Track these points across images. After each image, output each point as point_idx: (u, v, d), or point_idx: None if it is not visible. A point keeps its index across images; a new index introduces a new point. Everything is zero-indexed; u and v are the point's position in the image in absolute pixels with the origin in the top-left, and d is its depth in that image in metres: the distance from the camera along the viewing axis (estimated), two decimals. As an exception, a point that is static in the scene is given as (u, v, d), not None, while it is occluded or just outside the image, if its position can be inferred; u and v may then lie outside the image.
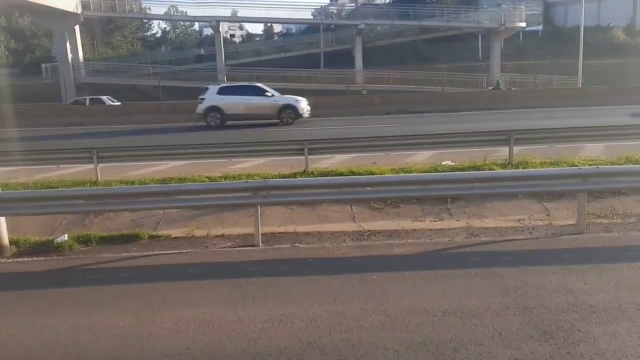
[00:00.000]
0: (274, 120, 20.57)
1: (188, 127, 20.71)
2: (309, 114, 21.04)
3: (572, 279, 5.38)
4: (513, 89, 32.50)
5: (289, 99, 21.16)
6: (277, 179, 9.29)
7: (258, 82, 33.33)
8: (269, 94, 20.70)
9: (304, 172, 10.32)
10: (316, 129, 18.52)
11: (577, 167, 8.23)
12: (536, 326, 4.42)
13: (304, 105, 20.85)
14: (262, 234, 7.29)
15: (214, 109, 20.31)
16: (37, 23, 42.89)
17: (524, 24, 40.85)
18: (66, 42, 36.00)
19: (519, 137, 10.72)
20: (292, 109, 20.61)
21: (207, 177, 10.05)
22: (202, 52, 45.61)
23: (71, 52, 36.51)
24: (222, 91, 20.74)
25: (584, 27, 34.01)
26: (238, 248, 7.14)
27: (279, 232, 7.75)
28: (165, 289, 5.60)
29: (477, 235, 7.26)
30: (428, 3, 47.43)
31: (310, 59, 43.01)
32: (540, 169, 9.45)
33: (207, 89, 21.11)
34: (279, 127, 20.27)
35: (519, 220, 7.87)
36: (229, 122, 20.51)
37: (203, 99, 20.61)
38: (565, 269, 5.68)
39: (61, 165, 11.66)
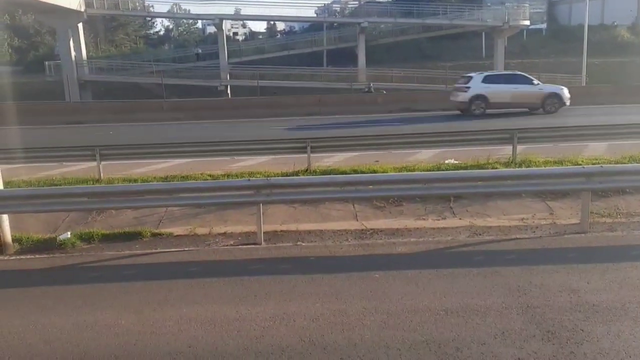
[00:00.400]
0: (537, 109, 20.92)
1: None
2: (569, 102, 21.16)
3: (575, 278, 5.36)
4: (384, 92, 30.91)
5: (555, 87, 21.74)
6: (280, 177, 9.28)
7: (261, 80, 33.52)
8: (535, 82, 20.97)
9: (307, 170, 10.31)
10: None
11: (580, 166, 8.20)
12: (539, 325, 4.41)
13: (567, 93, 21.06)
14: (264, 232, 7.29)
15: (479, 97, 20.61)
16: (41, 21, 42.92)
17: (527, 22, 40.72)
18: (69, 40, 36.05)
19: (522, 136, 10.70)
20: (557, 97, 20.87)
21: (210, 175, 10.05)
22: (199, 50, 45.47)
23: (74, 50, 36.53)
24: (488, 79, 20.94)
25: (588, 25, 33.89)
26: (240, 246, 7.13)
27: (281, 231, 7.74)
28: (167, 287, 5.60)
29: (480, 234, 7.24)
30: (431, 1, 47.24)
31: (314, 57, 42.97)
32: (543, 167, 9.42)
33: (470, 77, 21.46)
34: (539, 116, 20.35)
35: (522, 219, 7.84)
36: (490, 111, 20.69)
37: (468, 87, 20.91)
38: (568, 268, 5.66)
39: (64, 163, 11.69)
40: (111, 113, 24.81)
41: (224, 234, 7.70)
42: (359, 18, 41.44)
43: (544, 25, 47.72)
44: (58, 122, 22.83)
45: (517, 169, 9.52)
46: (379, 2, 56.42)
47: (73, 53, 36.32)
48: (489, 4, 45.48)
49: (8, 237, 7.22)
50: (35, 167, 11.08)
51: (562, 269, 5.64)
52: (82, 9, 36.11)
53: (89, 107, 28.01)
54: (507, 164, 10.09)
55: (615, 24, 45.12)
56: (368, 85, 32.51)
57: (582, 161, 9.72)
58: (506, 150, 10.95)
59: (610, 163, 9.43)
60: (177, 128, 20.46)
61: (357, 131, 15.75)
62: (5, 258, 6.99)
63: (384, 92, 31.07)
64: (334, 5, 58.66)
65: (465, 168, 9.86)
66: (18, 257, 7.04)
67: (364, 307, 4.88)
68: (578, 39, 35.75)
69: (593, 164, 9.13)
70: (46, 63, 40.37)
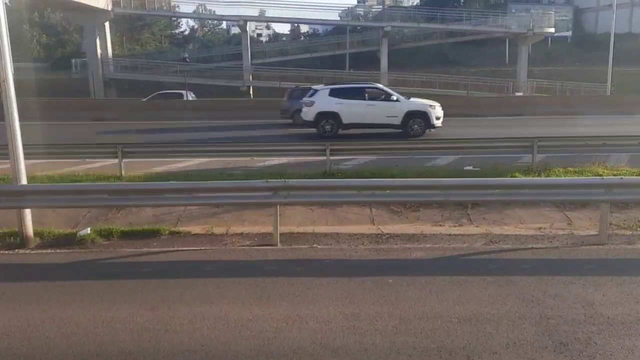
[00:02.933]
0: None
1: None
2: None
3: (591, 290, 5.31)
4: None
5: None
6: (298, 179, 9.31)
7: (283, 81, 33.66)
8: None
9: (325, 172, 10.35)
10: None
11: (600, 177, 8.12)
12: (552, 337, 4.38)
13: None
14: (280, 234, 7.34)
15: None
16: (69, 19, 43.72)
17: (552, 30, 40.16)
18: (96, 38, 36.68)
19: (542, 145, 10.61)
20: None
21: (229, 175, 10.15)
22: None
23: (100, 48, 37.15)
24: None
25: (614, 33, 33.35)
26: (256, 247, 7.20)
27: (297, 232, 7.79)
28: (183, 285, 5.69)
29: (497, 242, 7.19)
30: (455, 7, 46.98)
31: (336, 60, 42.97)
32: (563, 177, 9.33)
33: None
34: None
35: (540, 228, 7.77)
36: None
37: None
38: (584, 279, 5.61)
39: (87, 160, 11.91)
40: (135, 111, 25.11)
41: (241, 234, 7.78)
42: (382, 22, 41.33)
43: (569, 33, 47.02)
44: (83, 118, 23.20)
45: (535, 177, 9.44)
46: (403, 7, 56.36)
47: (99, 51, 36.94)
48: (513, 11, 45.01)
49: (30, 231, 7.39)
50: (59, 162, 11.31)
51: (578, 280, 5.59)
52: (109, 8, 36.70)
53: (114, 104, 28.39)
54: (526, 173, 10.01)
55: (644, 32, 44.36)
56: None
57: (603, 172, 9.59)
58: (526, 159, 10.86)
59: (631, 175, 9.28)
60: (199, 127, 20.64)
61: (375, 134, 15.76)
62: (27, 252, 7.16)
63: None
64: (357, 9, 58.77)
65: (484, 175, 9.80)
66: (39, 251, 7.20)
67: (376, 312, 4.90)
68: (604, 48, 35.17)
69: (614, 175, 9.00)
70: (73, 60, 41.11)
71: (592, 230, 7.51)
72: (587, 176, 9.21)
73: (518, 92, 35.40)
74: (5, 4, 7.47)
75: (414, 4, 61.13)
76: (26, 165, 7.54)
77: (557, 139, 11.56)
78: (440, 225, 8.05)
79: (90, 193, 7.59)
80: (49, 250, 7.18)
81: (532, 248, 6.92)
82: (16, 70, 7.17)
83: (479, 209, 8.50)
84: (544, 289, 5.34)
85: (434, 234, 7.62)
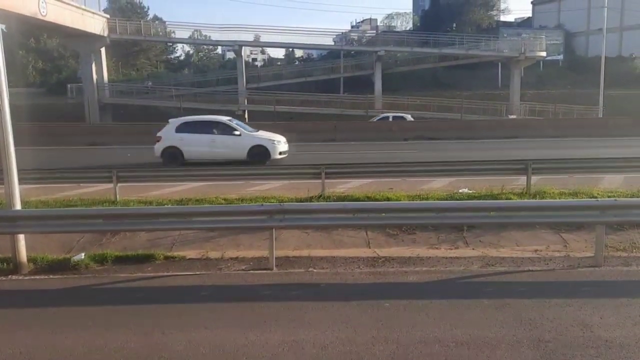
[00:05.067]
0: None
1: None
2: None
3: (588, 313, 5.29)
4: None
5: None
6: (293, 203, 9.33)
7: (278, 105, 33.87)
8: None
9: (320, 196, 10.35)
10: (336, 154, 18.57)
11: (595, 199, 8.14)
12: (550, 360, 4.34)
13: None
14: (276, 258, 7.31)
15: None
16: (65, 44, 44.01)
17: (544, 54, 40.81)
18: (92, 63, 36.91)
19: (537, 167, 10.65)
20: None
21: (224, 199, 10.13)
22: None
23: (96, 73, 37.37)
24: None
25: (605, 57, 33.87)
26: (252, 271, 7.15)
27: (293, 256, 7.75)
28: (178, 311, 5.63)
29: (493, 265, 7.18)
30: (448, 31, 47.68)
31: (330, 84, 43.37)
32: (557, 199, 9.36)
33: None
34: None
35: (536, 250, 7.78)
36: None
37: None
38: (581, 302, 5.59)
39: (81, 184, 11.86)
40: (130, 135, 25.13)
41: (237, 258, 7.73)
42: (376, 47, 41.87)
43: (560, 57, 47.78)
44: (78, 143, 23.20)
45: (530, 200, 9.47)
46: (396, 32, 57.13)
47: (95, 76, 37.15)
48: (505, 35, 45.76)
49: (23, 256, 7.33)
50: (54, 187, 11.25)
51: (575, 302, 5.57)
52: (105, 34, 37.05)
53: (109, 129, 28.44)
54: (521, 195, 10.03)
55: (634, 56, 45.03)
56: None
57: (597, 194, 9.63)
58: (520, 181, 10.90)
59: (625, 196, 9.33)
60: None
61: (372, 157, 15.80)
62: (20, 278, 7.09)
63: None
64: (351, 34, 59.44)
65: (479, 198, 9.84)
66: (32, 277, 7.13)
67: (373, 337, 4.86)
68: (595, 71, 35.73)
69: (608, 196, 9.04)
70: (68, 85, 41.27)
71: (588, 252, 7.51)
72: (582, 198, 9.24)
73: (511, 114, 35.78)
74: (2, 30, 7.52)
75: (407, 28, 62.10)
76: (20, 191, 7.51)
77: (551, 161, 11.63)
78: (437, 248, 8.03)
79: (85, 218, 7.55)
80: (42, 276, 7.11)
81: (529, 270, 6.91)
82: (12, 96, 7.18)
83: (475, 231, 8.49)
84: (541, 312, 5.32)
85: (430, 257, 7.60)
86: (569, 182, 10.91)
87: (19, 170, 7.38)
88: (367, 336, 4.87)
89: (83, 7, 34.10)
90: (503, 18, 59.88)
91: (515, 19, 64.02)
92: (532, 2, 59.14)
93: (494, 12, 57.69)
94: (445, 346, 4.63)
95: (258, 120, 33.89)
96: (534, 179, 10.69)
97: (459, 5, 52.73)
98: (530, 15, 60.41)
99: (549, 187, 10.39)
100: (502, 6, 60.74)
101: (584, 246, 7.84)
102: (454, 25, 52.25)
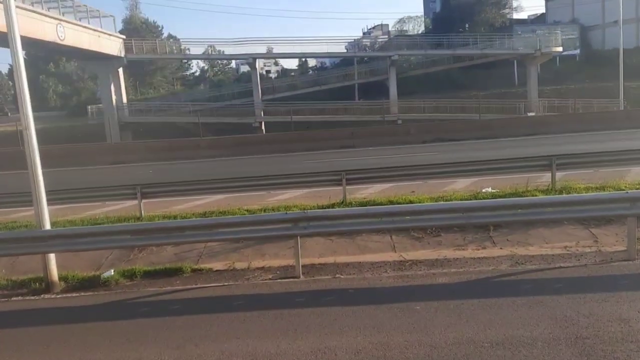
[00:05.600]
0: None
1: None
2: None
3: (625, 307, 5.17)
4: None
5: None
6: (316, 210, 9.31)
7: (294, 115, 33.98)
8: None
9: (342, 202, 10.33)
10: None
11: (624, 191, 7.97)
12: (590, 357, 4.26)
13: None
14: (302, 266, 7.31)
15: None
16: (83, 67, 44.89)
17: (560, 49, 40.34)
18: (110, 84, 37.53)
19: (561, 162, 10.48)
20: None
21: (247, 210, 10.17)
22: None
23: (115, 94, 37.95)
24: None
25: (623, 49, 33.35)
26: (279, 280, 7.16)
27: (319, 263, 7.74)
28: (208, 322, 5.65)
29: (523, 264, 7.08)
30: (460, 32, 47.44)
31: (345, 91, 43.39)
32: (585, 193, 9.20)
33: None
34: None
35: (566, 247, 7.64)
36: None
37: None
38: (617, 296, 5.47)
39: (107, 203, 12.02)
40: (151, 152, 25.46)
41: (263, 268, 7.75)
42: (389, 51, 41.84)
43: (577, 51, 47.13)
44: (101, 162, 23.55)
45: (556, 195, 9.32)
46: (408, 35, 57.02)
47: (114, 97, 37.72)
48: (519, 32, 45.33)
49: (55, 275, 7.44)
50: (80, 207, 11.43)
51: (611, 297, 5.45)
52: (122, 55, 37.64)
53: (130, 147, 28.81)
54: (546, 192, 9.89)
55: (652, 45, 44.25)
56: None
57: (625, 186, 9.44)
58: (545, 178, 10.75)
59: (655, 187, 9.14)
60: (214, 165, 20.84)
61: (391, 161, 15.74)
62: (52, 296, 7.20)
63: (400, 121, 31.71)
64: (363, 40, 59.49)
65: (503, 196, 9.72)
66: (64, 295, 7.24)
67: (406, 340, 4.81)
68: (613, 64, 35.15)
69: (637, 188, 8.85)
70: (88, 107, 41.97)
71: (619, 246, 7.37)
72: (610, 191, 9.07)
73: (530, 112, 35.36)
74: (24, 57, 7.71)
75: (420, 32, 61.92)
76: (48, 211, 7.63)
77: (575, 156, 11.41)
78: (463, 249, 7.95)
79: (113, 234, 7.64)
80: (74, 294, 7.21)
81: (560, 267, 6.79)
82: (35, 120, 7.34)
83: (501, 230, 8.39)
84: (576, 309, 5.22)
85: (457, 258, 7.53)
86: (594, 176, 10.73)
87: (46, 191, 7.51)
88: (400, 340, 4.82)
89: (100, 29, 34.74)
90: (516, 16, 59.33)
91: (529, 16, 63.35)
92: (544, -2, 58.63)
93: (507, 11, 57.11)
94: (480, 347, 4.57)
95: (275, 131, 34.19)
96: (559, 175, 10.53)
97: (471, 6, 52.40)
98: (543, 11, 59.81)
99: (574, 183, 10.24)
100: (515, 4, 60.14)
101: (615, 240, 7.69)
102: (467, 26, 51.93)
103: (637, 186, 9.37)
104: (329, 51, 43.18)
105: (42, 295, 7.20)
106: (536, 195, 9.47)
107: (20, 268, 8.12)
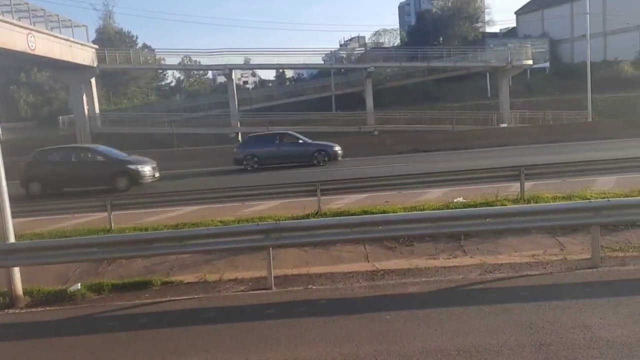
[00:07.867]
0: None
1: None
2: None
3: (588, 314, 5.28)
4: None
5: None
6: (289, 221, 9.30)
7: (271, 126, 34.00)
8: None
9: (317, 213, 10.35)
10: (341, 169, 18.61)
11: (588, 200, 8.16)
12: (554, 363, 4.32)
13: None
14: (275, 277, 7.28)
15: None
16: (55, 77, 44.19)
17: (530, 62, 41.24)
18: (82, 94, 36.96)
19: (529, 173, 10.69)
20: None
21: (220, 221, 10.10)
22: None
23: (87, 104, 37.40)
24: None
25: (591, 62, 34.26)
26: (251, 292, 7.12)
27: (292, 275, 7.73)
28: (177, 335, 5.58)
29: (492, 272, 7.17)
30: (435, 45, 48.18)
31: (322, 102, 43.57)
32: (552, 203, 9.38)
33: None
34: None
35: (533, 255, 7.78)
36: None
37: None
38: (581, 303, 5.58)
39: (76, 215, 11.81)
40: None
41: (235, 279, 7.70)
42: (366, 63, 42.21)
43: (547, 64, 48.25)
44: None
45: (525, 205, 9.48)
46: (384, 48, 57.69)
47: (86, 107, 37.17)
48: (491, 45, 46.24)
49: (19, 290, 7.27)
50: (47, 219, 11.22)
51: (575, 304, 5.56)
52: (95, 65, 37.21)
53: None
54: (515, 201, 10.06)
55: (619, 59, 45.51)
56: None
57: (591, 196, 9.66)
58: (514, 188, 10.94)
59: (618, 196, 9.36)
60: (188, 176, 20.70)
61: (365, 172, 15.84)
62: (17, 311, 7.03)
63: (376, 132, 33.06)
64: (340, 52, 60.02)
65: (474, 206, 9.84)
66: (29, 310, 7.07)
67: (375, 350, 4.82)
68: (582, 76, 36.12)
69: (601, 198, 9.07)
70: (60, 117, 41.30)
71: (584, 254, 7.52)
72: (575, 200, 9.27)
73: (502, 123, 36.03)
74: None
75: (395, 44, 62.69)
76: (14, 224, 7.48)
77: (544, 166, 11.67)
78: (435, 259, 8.03)
79: (81, 247, 7.51)
80: (39, 309, 7.05)
81: (527, 275, 6.90)
82: (3, 131, 7.23)
83: (472, 239, 8.50)
84: (541, 316, 5.31)
85: (429, 268, 7.59)
86: (562, 186, 10.96)
87: (11, 204, 7.36)
88: (369, 350, 4.83)
89: (71, 39, 34.31)
90: (488, 29, 60.50)
91: (500, 29, 64.74)
92: (515, 12, 60.00)
93: (479, 24, 58.33)
94: (448, 355, 4.61)
95: (251, 142, 34.03)
96: (528, 184, 10.73)
97: (445, 20, 53.36)
98: (514, 25, 61.23)
99: (542, 192, 10.43)
100: (487, 18, 61.43)
101: (581, 248, 7.86)
102: (441, 39, 52.79)
103: (602, 195, 9.58)
104: (306, 62, 43.38)
105: (5, 310, 7.01)
106: (505, 205, 9.62)
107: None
